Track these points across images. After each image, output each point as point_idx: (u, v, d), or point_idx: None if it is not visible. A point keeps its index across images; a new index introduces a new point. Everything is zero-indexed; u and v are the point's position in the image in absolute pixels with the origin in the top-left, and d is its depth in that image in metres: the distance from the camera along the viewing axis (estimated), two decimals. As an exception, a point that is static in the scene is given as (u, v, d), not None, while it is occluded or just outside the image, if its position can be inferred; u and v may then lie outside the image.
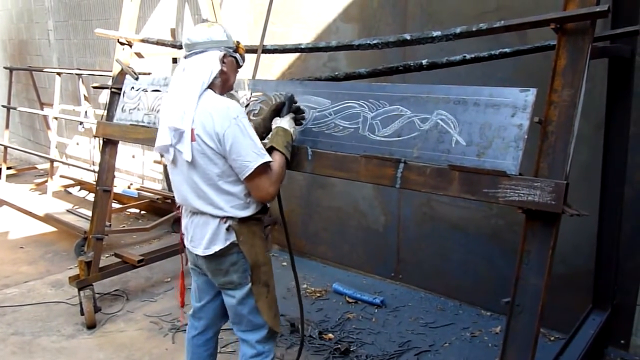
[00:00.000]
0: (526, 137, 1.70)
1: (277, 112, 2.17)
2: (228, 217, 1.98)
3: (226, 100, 1.94)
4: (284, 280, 3.95)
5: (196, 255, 2.09)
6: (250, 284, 2.05)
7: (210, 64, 1.95)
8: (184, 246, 2.18)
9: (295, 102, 2.18)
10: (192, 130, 1.89)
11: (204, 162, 1.92)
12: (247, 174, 1.89)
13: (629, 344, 2.93)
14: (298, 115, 2.18)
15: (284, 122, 2.09)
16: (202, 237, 2.02)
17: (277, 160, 2.00)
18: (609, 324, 2.81)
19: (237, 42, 2.04)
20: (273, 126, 2.13)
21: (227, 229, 1.98)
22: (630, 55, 2.45)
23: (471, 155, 1.79)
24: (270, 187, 1.95)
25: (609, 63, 2.48)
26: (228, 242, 1.99)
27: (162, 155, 2.16)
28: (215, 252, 2.00)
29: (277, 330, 2.17)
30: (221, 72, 1.98)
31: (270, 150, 2.01)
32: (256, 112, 2.47)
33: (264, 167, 1.91)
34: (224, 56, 1.98)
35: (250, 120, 2.41)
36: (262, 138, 2.10)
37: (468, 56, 2.39)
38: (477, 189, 1.74)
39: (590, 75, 1.76)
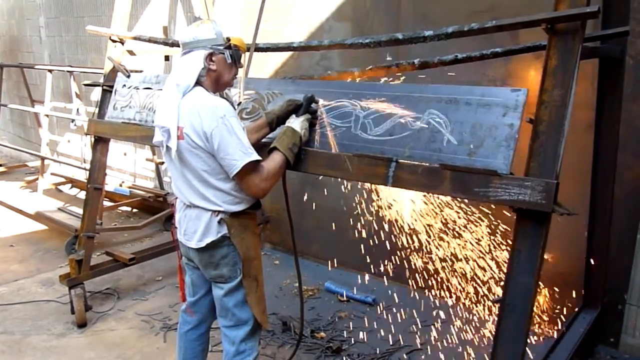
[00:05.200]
0: (517, 136, 1.70)
1: (294, 111, 2.17)
2: (220, 211, 2.01)
3: (215, 99, 1.96)
4: (276, 278, 3.96)
5: (188, 248, 2.12)
6: (240, 277, 2.07)
7: (194, 64, 1.98)
8: (176, 239, 2.22)
9: (316, 102, 2.18)
10: (181, 128, 1.93)
11: (194, 160, 1.95)
12: (234, 172, 1.91)
13: (618, 342, 2.95)
14: (313, 119, 2.18)
15: (296, 123, 2.10)
16: (195, 230, 2.06)
17: (275, 159, 2.02)
18: (599, 322, 2.84)
19: (227, 38, 2.04)
20: (286, 125, 2.13)
21: (219, 222, 2.01)
22: (620, 56, 2.47)
23: (462, 155, 1.79)
24: (261, 183, 1.96)
25: (599, 63, 2.50)
26: (219, 235, 2.02)
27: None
28: (207, 244, 2.03)
29: (265, 326, 2.18)
30: (208, 70, 2.00)
31: (272, 150, 2.04)
32: (248, 110, 2.46)
33: (253, 165, 1.92)
34: (211, 54, 1.99)
35: (242, 118, 2.43)
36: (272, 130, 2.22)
37: (460, 56, 2.39)
38: (468, 188, 1.75)
39: (581, 75, 1.77)
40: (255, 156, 1.92)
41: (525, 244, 1.71)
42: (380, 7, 3.52)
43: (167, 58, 4.98)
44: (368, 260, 3.94)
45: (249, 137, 2.09)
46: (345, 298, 3.64)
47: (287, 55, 4.09)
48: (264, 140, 2.24)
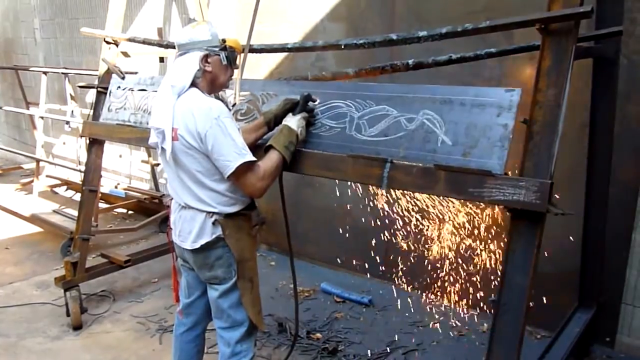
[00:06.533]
0: (511, 136, 1.71)
1: (292, 109, 2.17)
2: (214, 212, 2.00)
3: (209, 100, 1.95)
4: (272, 279, 3.95)
5: (183, 249, 2.12)
6: (234, 278, 2.07)
7: (189, 66, 1.97)
8: (171, 241, 2.22)
9: (314, 101, 2.18)
10: (175, 129, 1.93)
11: (188, 161, 1.95)
12: (228, 173, 1.91)
13: (614, 342, 2.96)
14: (310, 117, 2.18)
15: (293, 121, 2.10)
16: (190, 232, 2.05)
17: (271, 158, 2.01)
18: (595, 322, 2.84)
19: (223, 39, 2.04)
20: (282, 123, 2.12)
21: (214, 223, 2.01)
22: (614, 56, 2.47)
23: (457, 155, 1.80)
24: (257, 183, 1.96)
25: (593, 63, 2.50)
26: (214, 236, 2.02)
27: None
28: (202, 246, 2.03)
29: (260, 328, 2.18)
30: (204, 72, 1.99)
31: (269, 148, 2.03)
32: (243, 111, 2.46)
33: (248, 165, 1.92)
34: (207, 56, 1.99)
35: (237, 120, 2.42)
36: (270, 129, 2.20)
37: (454, 56, 2.39)
38: (463, 188, 1.75)
39: (575, 75, 1.77)
40: (250, 157, 1.91)
41: (519, 244, 1.71)
42: (375, 8, 3.53)
43: (161, 59, 4.97)
44: (365, 261, 3.94)
45: (247, 137, 2.09)
46: (341, 299, 3.63)
47: (282, 57, 4.09)
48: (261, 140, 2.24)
